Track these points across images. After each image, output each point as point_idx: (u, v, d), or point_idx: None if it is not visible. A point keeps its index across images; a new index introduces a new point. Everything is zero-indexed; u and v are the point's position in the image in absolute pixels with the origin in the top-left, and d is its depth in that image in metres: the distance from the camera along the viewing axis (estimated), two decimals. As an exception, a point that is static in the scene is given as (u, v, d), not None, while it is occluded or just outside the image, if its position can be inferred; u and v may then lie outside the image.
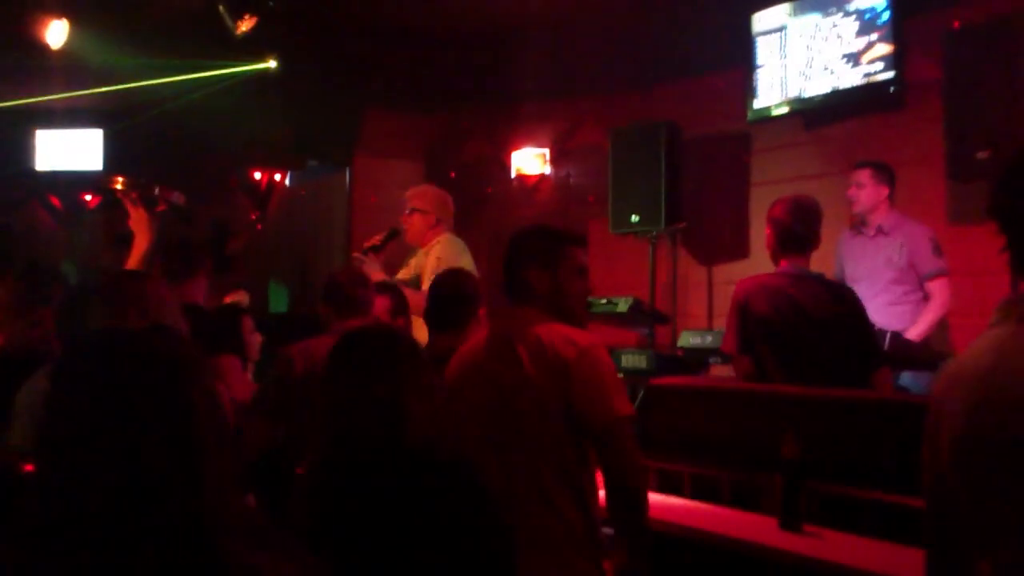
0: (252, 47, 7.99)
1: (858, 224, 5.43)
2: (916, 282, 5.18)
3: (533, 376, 2.79)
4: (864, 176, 5.31)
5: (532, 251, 2.99)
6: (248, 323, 4.72)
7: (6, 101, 8.90)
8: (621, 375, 5.13)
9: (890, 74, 5.74)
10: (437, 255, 5.18)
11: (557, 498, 2.76)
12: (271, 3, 7.51)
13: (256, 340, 4.74)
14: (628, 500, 2.77)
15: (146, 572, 1.24)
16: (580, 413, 2.75)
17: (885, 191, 5.29)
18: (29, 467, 2.85)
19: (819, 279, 4.01)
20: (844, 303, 3.91)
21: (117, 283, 3.29)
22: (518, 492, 2.72)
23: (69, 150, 10.08)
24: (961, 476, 1.68)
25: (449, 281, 3.85)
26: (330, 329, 3.94)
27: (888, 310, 5.01)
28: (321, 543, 2.13)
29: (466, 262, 5.03)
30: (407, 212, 5.46)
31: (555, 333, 2.83)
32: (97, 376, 1.33)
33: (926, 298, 5.17)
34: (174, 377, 1.35)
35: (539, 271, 2.94)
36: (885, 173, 5.30)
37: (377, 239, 5.34)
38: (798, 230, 3.96)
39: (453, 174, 8.43)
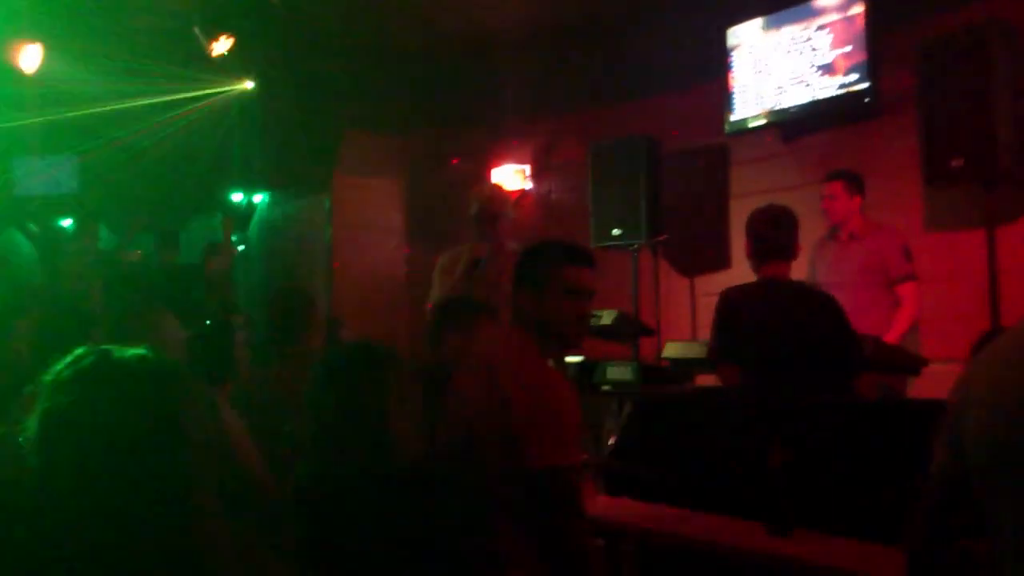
0: (230, 68, 7.99)
1: (831, 231, 5.47)
2: (887, 287, 5.22)
3: (473, 411, 2.66)
4: (836, 188, 5.35)
5: (523, 271, 2.89)
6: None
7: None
8: (607, 387, 5.18)
9: (865, 84, 5.81)
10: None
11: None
12: (245, 23, 7.52)
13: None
14: (566, 567, 2.53)
15: None
16: (518, 448, 2.53)
17: (858, 201, 5.34)
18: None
19: (800, 287, 4.04)
20: (826, 310, 3.95)
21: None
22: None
23: (45, 175, 10.02)
24: (993, 477, 1.68)
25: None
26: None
27: (861, 315, 5.04)
28: (309, 560, 2.12)
29: None
30: (504, 217, 5.50)
31: (508, 354, 2.72)
32: (85, 401, 1.31)
33: (897, 303, 5.21)
34: (165, 402, 1.34)
35: (527, 292, 2.81)
36: (855, 183, 5.35)
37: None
38: (777, 239, 4.00)
39: (456, 160, 8.42)
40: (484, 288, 4.91)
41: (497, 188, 5.91)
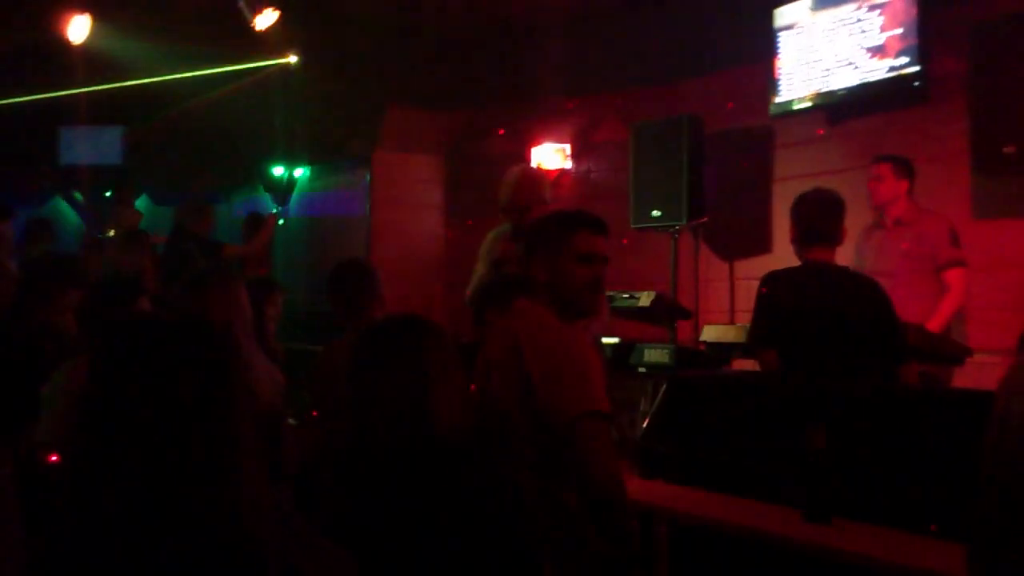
0: (273, 43, 8.02)
1: (877, 218, 5.39)
2: (934, 273, 5.14)
3: (497, 371, 2.73)
4: (884, 170, 5.28)
5: (535, 239, 2.92)
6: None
7: (29, 96, 8.94)
8: (643, 369, 5.16)
9: (915, 68, 5.70)
10: None
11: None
12: (291, -1, 7.55)
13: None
14: (601, 513, 2.56)
15: (186, 565, 1.24)
16: (540, 408, 2.60)
17: (904, 185, 5.25)
18: (53, 458, 2.87)
19: (845, 272, 3.99)
20: (870, 296, 3.90)
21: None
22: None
23: (91, 145, 10.14)
24: None
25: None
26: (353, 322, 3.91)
27: (906, 302, 4.98)
28: (347, 535, 2.12)
29: None
30: (539, 203, 4.96)
31: (526, 321, 2.77)
32: (137, 368, 1.32)
33: (943, 290, 5.13)
34: (215, 371, 1.34)
35: (540, 259, 2.85)
36: (904, 167, 5.27)
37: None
38: (823, 224, 3.95)
39: (502, 132, 8.32)
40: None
41: (528, 173, 5.17)
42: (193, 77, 8.52)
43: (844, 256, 4.39)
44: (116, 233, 7.34)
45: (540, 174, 5.11)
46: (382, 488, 2.16)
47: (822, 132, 6.56)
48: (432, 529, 2.11)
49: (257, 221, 8.27)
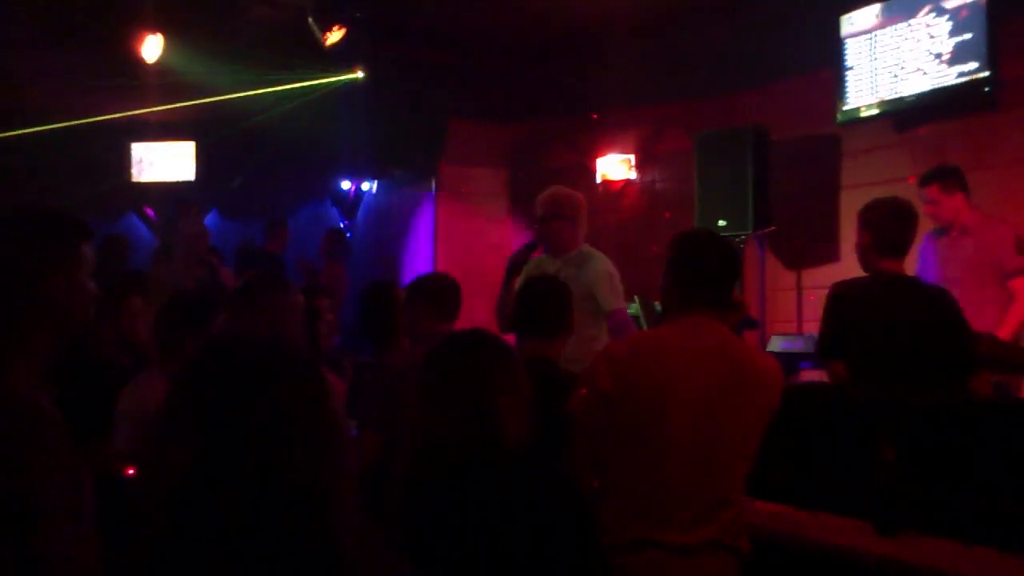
0: (340, 58, 8.14)
1: (941, 225, 5.29)
2: (1000, 282, 5.04)
3: None
4: (933, 193, 5.10)
5: None
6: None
7: (103, 115, 9.18)
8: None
9: (985, 73, 5.62)
10: (606, 269, 4.72)
11: None
12: (358, 15, 7.65)
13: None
14: None
15: None
16: None
17: (959, 197, 5.09)
18: (130, 471, 2.94)
19: (916, 283, 3.94)
20: (940, 305, 3.85)
21: (248, 291, 3.39)
22: None
23: (163, 162, 10.38)
24: None
25: (546, 287, 3.74)
26: (420, 334, 3.95)
27: (974, 311, 4.88)
28: (417, 550, 2.15)
29: None
30: (547, 218, 4.81)
31: None
32: (222, 384, 1.33)
33: (1011, 298, 5.03)
34: (298, 386, 1.35)
35: None
36: (951, 180, 5.09)
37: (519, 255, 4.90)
38: (896, 234, 3.90)
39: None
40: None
41: (558, 191, 4.95)
42: (262, 93, 8.68)
43: (907, 263, 4.34)
44: (179, 246, 7.44)
45: (555, 190, 5.02)
46: (450, 499, 2.19)
47: (892, 140, 6.48)
48: (501, 543, 2.14)
49: (335, 238, 8.40)
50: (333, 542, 1.29)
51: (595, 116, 8.34)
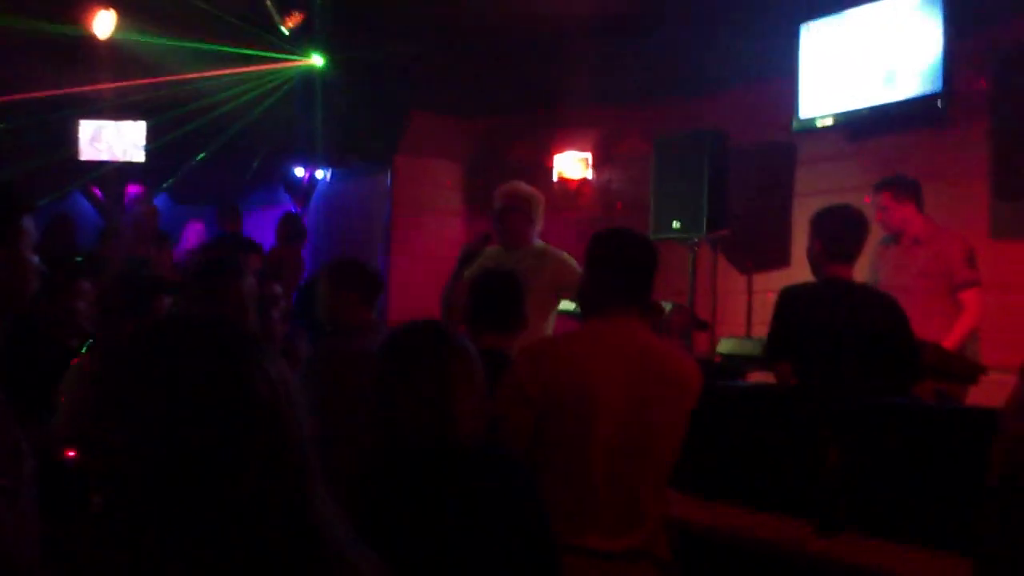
0: (299, 45, 8.06)
1: (894, 235, 5.38)
2: (949, 293, 5.13)
3: None
4: (884, 199, 5.20)
5: None
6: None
7: (51, 90, 9.00)
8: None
9: (938, 89, 5.70)
10: (562, 259, 4.69)
11: None
12: (318, 1, 7.60)
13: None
14: None
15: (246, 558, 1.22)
16: None
17: (910, 206, 5.19)
18: (70, 453, 2.88)
19: (864, 289, 4.00)
20: (888, 313, 3.91)
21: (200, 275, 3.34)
22: None
23: (112, 141, 10.19)
24: None
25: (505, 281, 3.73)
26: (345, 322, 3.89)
27: (921, 320, 4.96)
28: (371, 541, 2.13)
29: None
30: (506, 210, 4.79)
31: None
32: (150, 362, 1.28)
33: (958, 309, 5.12)
34: (231, 363, 1.32)
35: None
36: (904, 188, 5.19)
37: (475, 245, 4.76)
38: (847, 241, 3.96)
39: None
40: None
41: (518, 184, 4.93)
42: (217, 76, 8.57)
43: (858, 271, 4.41)
44: (128, 226, 7.33)
45: (515, 184, 5.01)
46: (404, 495, 2.18)
47: (845, 150, 6.56)
48: (453, 535, 2.13)
49: (291, 222, 8.32)
50: (309, 521, 1.28)
51: (556, 109, 8.33)
